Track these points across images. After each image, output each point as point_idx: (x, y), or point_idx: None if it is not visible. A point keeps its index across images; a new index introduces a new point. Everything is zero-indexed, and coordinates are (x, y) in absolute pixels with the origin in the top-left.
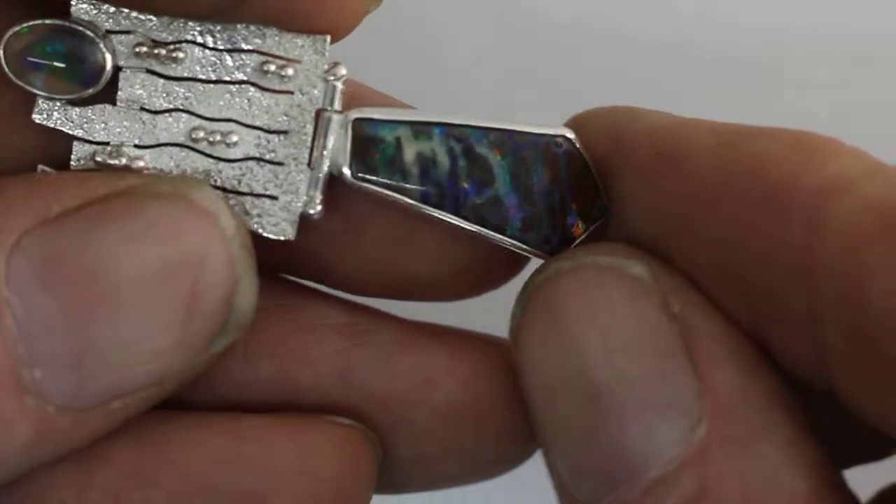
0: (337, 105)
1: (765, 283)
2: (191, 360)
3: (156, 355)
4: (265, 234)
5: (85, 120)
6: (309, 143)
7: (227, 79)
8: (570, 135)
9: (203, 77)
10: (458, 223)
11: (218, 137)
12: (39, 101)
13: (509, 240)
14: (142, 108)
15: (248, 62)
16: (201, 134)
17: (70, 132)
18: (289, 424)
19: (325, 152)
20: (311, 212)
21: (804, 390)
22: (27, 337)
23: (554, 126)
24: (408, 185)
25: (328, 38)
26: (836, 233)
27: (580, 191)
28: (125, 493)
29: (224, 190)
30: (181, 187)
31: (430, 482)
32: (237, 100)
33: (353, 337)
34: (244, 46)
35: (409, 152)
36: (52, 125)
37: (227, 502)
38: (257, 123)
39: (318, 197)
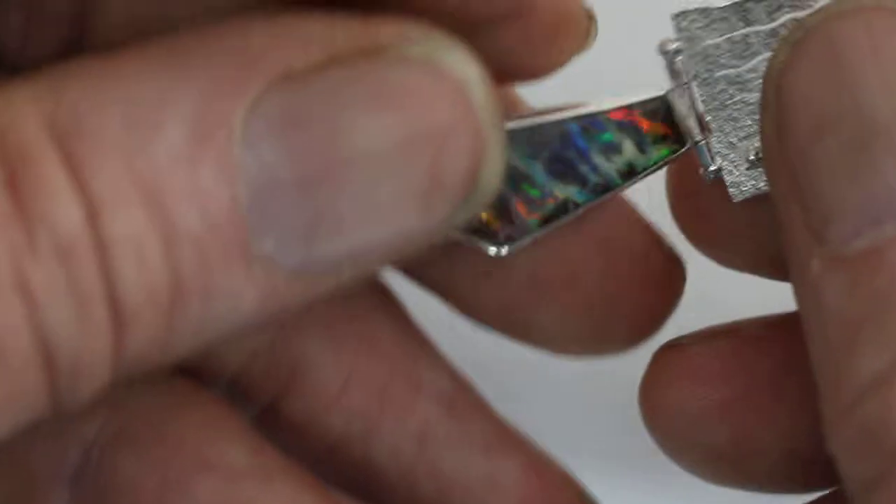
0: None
1: None
2: (429, 231)
3: (393, 227)
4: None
5: None
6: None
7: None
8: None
9: None
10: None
11: None
12: None
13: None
14: None
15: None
16: None
17: None
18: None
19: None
20: None
21: None
22: (260, 204)
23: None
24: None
25: None
26: None
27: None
28: None
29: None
30: (434, 52)
31: None
32: None
33: (448, 410)
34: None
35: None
36: None
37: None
38: None
39: None
